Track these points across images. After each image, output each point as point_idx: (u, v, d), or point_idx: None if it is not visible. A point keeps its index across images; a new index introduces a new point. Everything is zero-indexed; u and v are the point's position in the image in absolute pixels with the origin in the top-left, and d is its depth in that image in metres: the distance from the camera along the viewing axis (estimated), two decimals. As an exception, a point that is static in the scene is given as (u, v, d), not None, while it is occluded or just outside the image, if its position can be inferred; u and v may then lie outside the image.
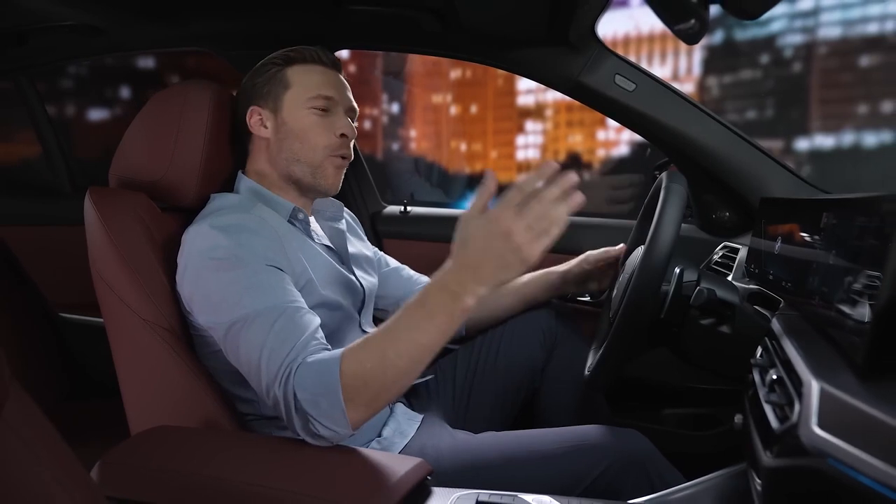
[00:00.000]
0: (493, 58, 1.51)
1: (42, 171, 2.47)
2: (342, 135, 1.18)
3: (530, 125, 4.12)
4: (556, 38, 1.34)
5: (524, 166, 4.17)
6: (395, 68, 3.59)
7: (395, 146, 4.25)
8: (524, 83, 3.97)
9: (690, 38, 0.81)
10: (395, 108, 4.07)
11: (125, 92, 3.38)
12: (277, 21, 1.49)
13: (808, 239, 0.85)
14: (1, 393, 0.62)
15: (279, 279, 1.01)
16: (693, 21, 0.78)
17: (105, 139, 3.30)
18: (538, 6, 1.17)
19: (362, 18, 1.45)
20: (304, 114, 1.17)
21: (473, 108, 4.42)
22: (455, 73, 4.27)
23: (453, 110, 4.35)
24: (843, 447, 0.51)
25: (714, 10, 0.79)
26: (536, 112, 4.12)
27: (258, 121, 1.20)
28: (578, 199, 0.84)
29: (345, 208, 1.36)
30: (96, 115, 3.28)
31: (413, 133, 4.26)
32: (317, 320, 0.99)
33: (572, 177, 0.84)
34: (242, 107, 1.22)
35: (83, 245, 1.13)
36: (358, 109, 1.25)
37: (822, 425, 0.54)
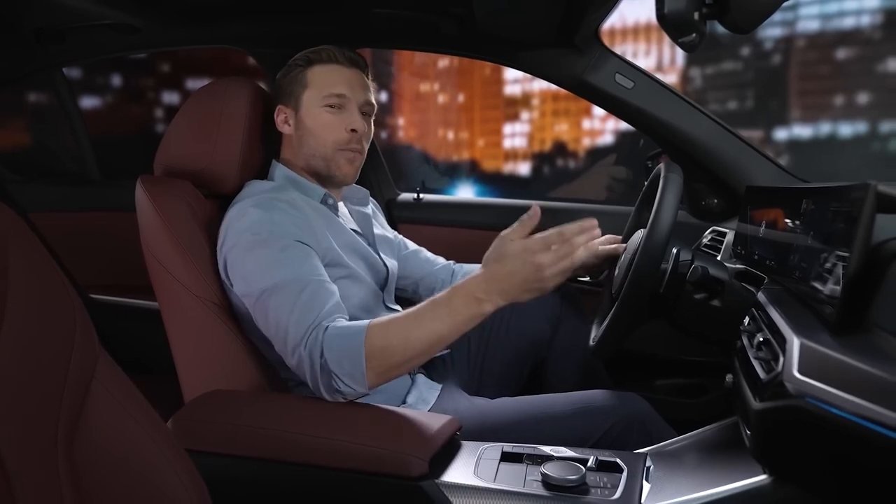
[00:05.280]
0: (505, 58, 1.59)
1: (46, 158, 2.53)
2: (353, 130, 1.26)
3: (517, 114, 4.18)
4: (562, 41, 1.43)
5: (511, 154, 4.24)
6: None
7: (384, 134, 4.31)
8: (510, 73, 4.01)
9: (691, 48, 0.93)
10: (383, 96, 4.14)
11: (116, 80, 3.40)
12: (304, 22, 1.56)
13: (789, 223, 0.93)
14: (93, 353, 0.72)
15: (306, 255, 1.12)
16: (694, 35, 0.90)
17: (100, 126, 3.31)
18: (551, 14, 1.26)
19: (385, 21, 1.52)
20: (319, 112, 1.27)
21: (461, 98, 4.47)
22: (443, 63, 4.32)
23: (441, 99, 4.40)
24: (819, 386, 0.62)
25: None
26: (523, 101, 4.18)
27: (283, 119, 1.31)
28: (596, 234, 1.00)
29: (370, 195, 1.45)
30: (88, 102, 3.29)
31: (401, 121, 4.32)
32: (337, 293, 1.10)
33: (594, 222, 1.00)
34: (273, 104, 1.32)
35: (111, 229, 1.20)
36: (376, 104, 1.32)
37: (801, 372, 0.65)
